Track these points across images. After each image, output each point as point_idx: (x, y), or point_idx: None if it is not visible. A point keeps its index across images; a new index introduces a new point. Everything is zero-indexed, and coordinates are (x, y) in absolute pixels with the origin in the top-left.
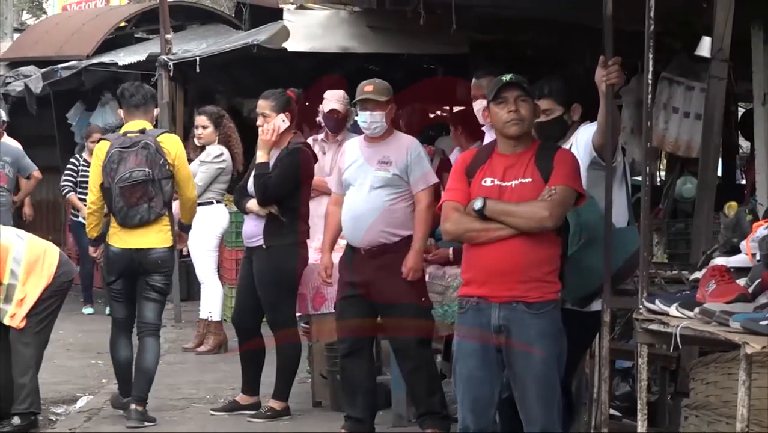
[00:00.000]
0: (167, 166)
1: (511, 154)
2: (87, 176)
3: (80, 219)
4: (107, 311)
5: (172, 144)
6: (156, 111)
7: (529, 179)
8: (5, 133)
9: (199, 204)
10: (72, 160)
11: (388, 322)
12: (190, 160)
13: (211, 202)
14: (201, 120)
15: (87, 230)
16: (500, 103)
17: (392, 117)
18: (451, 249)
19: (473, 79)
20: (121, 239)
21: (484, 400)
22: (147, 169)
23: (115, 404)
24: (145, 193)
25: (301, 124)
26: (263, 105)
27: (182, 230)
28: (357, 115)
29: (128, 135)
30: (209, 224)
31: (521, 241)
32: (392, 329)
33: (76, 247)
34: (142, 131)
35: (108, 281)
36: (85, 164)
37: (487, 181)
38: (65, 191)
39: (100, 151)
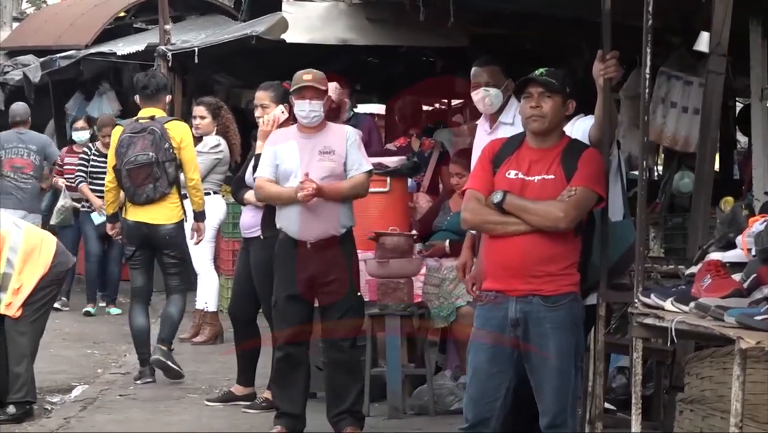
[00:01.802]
0: (172, 150)
1: (539, 149)
2: (99, 166)
3: (88, 210)
4: (109, 310)
5: (177, 130)
6: (168, 98)
7: (552, 176)
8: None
9: None
10: (84, 149)
11: (328, 318)
12: None
13: (208, 193)
14: (199, 110)
15: (105, 206)
16: (525, 97)
17: (327, 107)
18: (447, 241)
19: (473, 68)
20: (134, 213)
21: (489, 393)
22: (151, 153)
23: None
24: (150, 175)
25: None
26: (262, 96)
27: (196, 220)
28: (353, 107)
29: (139, 121)
30: (206, 214)
31: (535, 237)
32: (330, 326)
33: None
34: (152, 118)
35: (127, 251)
36: (97, 153)
37: (512, 174)
38: (78, 181)
39: (114, 135)
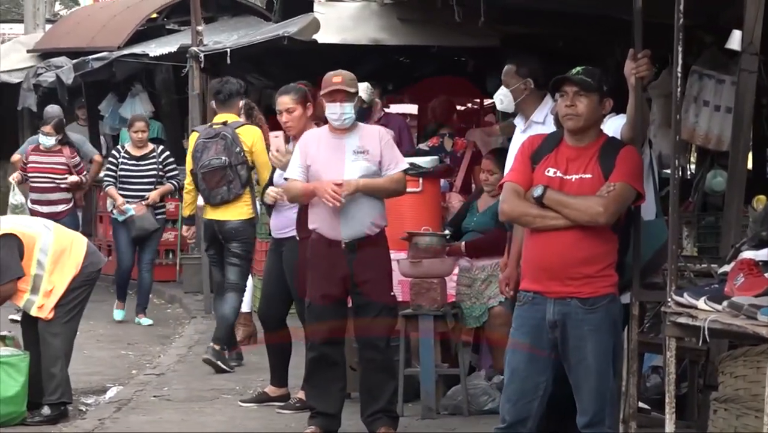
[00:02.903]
0: (243, 154)
1: (576, 147)
2: (129, 170)
3: (118, 216)
4: (139, 320)
5: (248, 135)
6: (241, 103)
7: (590, 175)
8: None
9: None
10: (113, 153)
11: (362, 318)
12: (157, 157)
13: None
14: None
15: (183, 207)
16: (561, 96)
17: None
18: (463, 243)
19: (506, 66)
20: (208, 213)
21: (527, 393)
22: (224, 158)
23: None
24: (224, 177)
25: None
26: (285, 101)
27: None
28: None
29: (213, 126)
30: None
31: (573, 238)
32: (365, 325)
33: (112, 244)
34: (224, 123)
35: (205, 249)
36: (127, 156)
37: (550, 172)
38: (105, 185)
39: (191, 140)
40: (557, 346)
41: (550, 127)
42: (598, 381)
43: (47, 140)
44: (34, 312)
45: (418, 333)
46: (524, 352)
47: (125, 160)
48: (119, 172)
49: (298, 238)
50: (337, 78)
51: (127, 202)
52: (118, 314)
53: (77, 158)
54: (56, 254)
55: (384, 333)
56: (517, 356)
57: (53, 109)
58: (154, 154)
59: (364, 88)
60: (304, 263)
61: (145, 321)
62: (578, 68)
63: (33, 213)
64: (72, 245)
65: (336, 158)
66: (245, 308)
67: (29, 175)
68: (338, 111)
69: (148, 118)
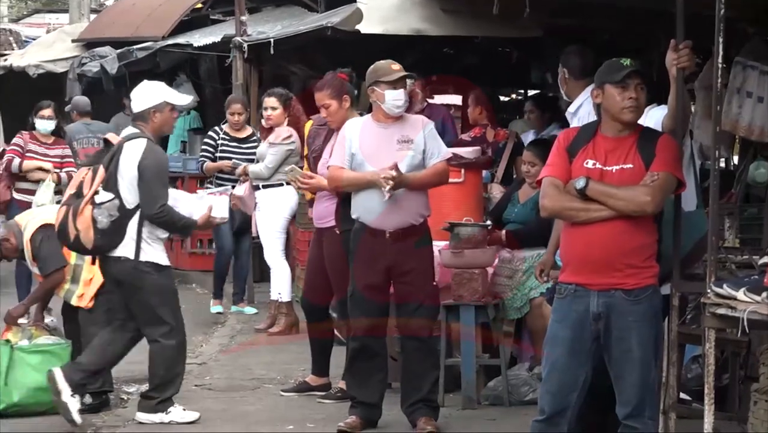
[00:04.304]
0: None
1: (614, 138)
2: (230, 151)
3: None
4: (242, 310)
5: None
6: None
7: (630, 165)
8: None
9: (269, 186)
10: (211, 134)
11: (405, 307)
12: (258, 142)
13: (281, 184)
14: (270, 101)
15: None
16: (621, 86)
17: None
18: (504, 232)
19: (563, 56)
20: None
21: (567, 386)
22: None
23: None
24: None
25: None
26: (321, 97)
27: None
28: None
29: None
30: (278, 205)
31: (616, 228)
32: (408, 315)
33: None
34: None
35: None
36: (226, 137)
37: (589, 163)
38: (201, 162)
39: (306, 127)
40: (599, 338)
41: (581, 118)
42: (641, 372)
43: (47, 125)
44: (74, 301)
45: (459, 324)
46: (564, 344)
47: (226, 142)
48: (218, 154)
49: (338, 231)
50: (395, 66)
51: (232, 185)
52: (215, 308)
53: (68, 150)
54: None
55: (426, 323)
56: (557, 348)
57: (82, 99)
58: (255, 137)
59: None
60: (338, 255)
61: (249, 310)
62: (627, 60)
63: (19, 203)
64: None
65: (381, 147)
66: (286, 297)
67: (26, 163)
68: (403, 98)
69: (246, 101)
